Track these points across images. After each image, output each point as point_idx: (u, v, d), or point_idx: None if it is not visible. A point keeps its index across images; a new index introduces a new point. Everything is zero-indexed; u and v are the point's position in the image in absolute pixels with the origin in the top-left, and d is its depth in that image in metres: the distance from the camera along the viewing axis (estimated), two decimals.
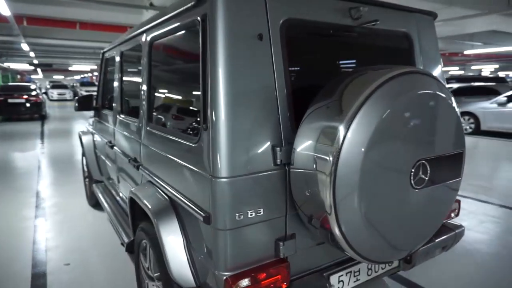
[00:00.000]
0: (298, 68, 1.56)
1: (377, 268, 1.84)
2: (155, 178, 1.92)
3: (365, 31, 1.75)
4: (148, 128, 2.04)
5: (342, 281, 1.69)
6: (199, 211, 1.41)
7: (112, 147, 2.95)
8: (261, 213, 1.39)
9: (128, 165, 2.48)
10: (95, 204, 4.29)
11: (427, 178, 1.37)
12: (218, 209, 1.33)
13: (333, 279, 1.65)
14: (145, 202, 1.82)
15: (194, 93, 1.62)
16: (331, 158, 1.18)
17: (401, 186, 1.32)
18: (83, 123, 13.35)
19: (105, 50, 3.41)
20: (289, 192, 1.43)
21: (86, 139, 4.12)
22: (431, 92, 1.32)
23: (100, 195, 3.57)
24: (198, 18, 1.44)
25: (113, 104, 2.92)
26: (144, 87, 2.12)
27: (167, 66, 2.04)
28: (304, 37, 1.60)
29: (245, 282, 1.35)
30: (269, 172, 1.38)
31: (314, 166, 1.25)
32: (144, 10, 6.49)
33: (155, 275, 1.93)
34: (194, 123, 1.56)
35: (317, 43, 1.65)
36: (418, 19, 2.01)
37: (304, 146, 1.31)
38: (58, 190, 5.09)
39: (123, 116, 2.69)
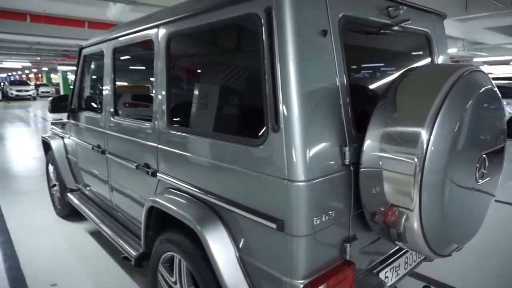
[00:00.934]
0: (354, 67, 1.54)
1: (411, 261, 1.89)
2: (185, 185, 1.77)
3: (399, 30, 1.78)
4: (171, 132, 1.88)
5: (387, 277, 1.71)
6: (267, 219, 1.33)
7: (102, 152, 2.69)
8: (333, 216, 1.34)
9: (132, 171, 2.28)
10: (67, 215, 3.91)
11: (485, 172, 1.43)
12: (295, 215, 1.26)
13: (381, 276, 1.66)
14: (181, 212, 1.67)
15: (251, 92, 1.52)
16: (417, 160, 1.18)
17: (469, 181, 1.36)
18: (21, 127, 12.14)
19: (85, 45, 3.09)
20: (354, 192, 1.40)
21: (56, 144, 3.73)
22: (490, 87, 1.38)
23: (81, 205, 3.24)
24: (258, 11, 1.35)
25: (104, 106, 2.65)
26: (161, 87, 1.95)
27: (194, 64, 1.89)
28: (355, 35, 1.58)
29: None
30: (339, 173, 1.34)
31: (396, 167, 1.23)
32: (111, 3, 5.96)
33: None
34: (254, 125, 1.45)
35: (365, 40, 1.64)
36: (434, 20, 2.09)
37: (379, 147, 1.28)
38: (18, 201, 4.55)
39: (120, 118, 2.46)
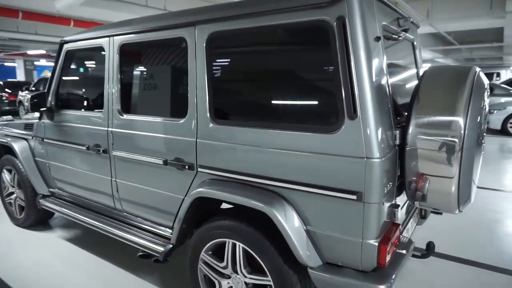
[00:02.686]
0: (389, 67, 1.87)
1: (412, 227, 2.32)
2: (236, 175, 1.92)
3: (404, 38, 2.18)
4: (219, 126, 1.98)
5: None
6: (344, 192, 1.59)
7: (104, 151, 2.61)
8: (390, 186, 1.66)
9: (155, 167, 2.30)
10: (32, 224, 3.60)
11: (483, 143, 1.90)
12: (373, 186, 1.54)
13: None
14: (245, 198, 1.81)
15: (320, 87, 1.74)
16: (458, 141, 1.56)
17: (479, 152, 1.80)
18: None
19: (69, 40, 2.90)
20: (399, 166, 1.74)
21: (21, 147, 3.39)
22: (487, 82, 1.84)
23: (63, 209, 3.03)
24: (330, 18, 1.59)
25: (108, 104, 2.57)
26: (202, 85, 2.04)
27: (249, 62, 1.99)
28: (386, 42, 1.91)
29: (388, 245, 1.62)
30: (392, 151, 1.67)
31: (440, 147, 1.60)
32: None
33: (246, 271, 1.95)
34: (327, 115, 1.68)
35: (388, 45, 1.99)
36: (415, 29, 2.57)
37: (424, 131, 1.63)
38: None
39: (132, 116, 2.43)
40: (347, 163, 1.59)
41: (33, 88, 12.40)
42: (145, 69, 2.51)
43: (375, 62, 1.62)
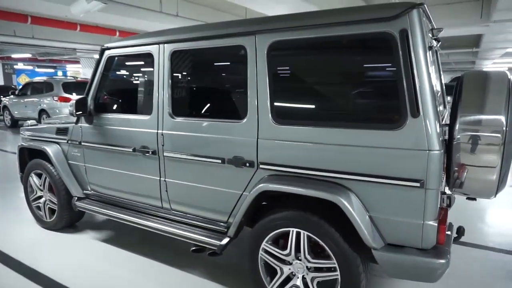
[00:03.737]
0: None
1: None
2: (300, 170, 2.13)
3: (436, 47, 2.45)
4: (281, 126, 2.18)
5: None
6: (408, 181, 1.83)
7: (153, 152, 2.76)
8: (443, 175, 1.92)
9: (212, 166, 2.47)
10: (63, 227, 3.67)
11: None
12: (434, 174, 1.79)
13: None
14: (322, 193, 2.00)
15: (384, 89, 1.98)
16: (501, 136, 1.83)
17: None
18: None
19: (112, 46, 3.03)
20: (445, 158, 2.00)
21: (55, 151, 3.47)
22: None
23: (105, 210, 3.14)
24: (393, 31, 1.84)
25: (158, 108, 2.72)
26: (263, 89, 2.24)
27: (314, 68, 2.19)
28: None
29: (446, 226, 1.88)
30: (444, 145, 1.93)
31: (486, 141, 1.87)
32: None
33: (310, 256, 2.16)
34: (391, 114, 1.91)
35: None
36: None
37: (470, 128, 1.90)
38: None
39: (185, 118, 2.59)
40: (411, 155, 1.83)
41: (20, 93, 12.11)
42: (199, 75, 2.68)
43: (430, 68, 1.88)
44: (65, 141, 3.46)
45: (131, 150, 2.90)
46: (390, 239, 1.98)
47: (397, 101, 1.87)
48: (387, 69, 1.92)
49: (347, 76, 2.10)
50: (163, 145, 2.73)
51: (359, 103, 2.07)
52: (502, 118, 1.85)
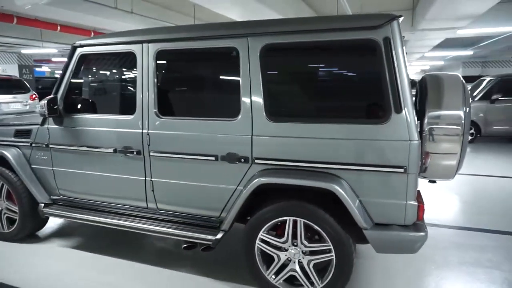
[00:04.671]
0: None
1: None
2: (292, 163, 2.32)
3: None
4: (276, 123, 2.33)
5: None
6: (393, 167, 2.12)
7: (138, 153, 2.74)
8: (419, 161, 2.26)
9: (204, 163, 2.55)
10: (26, 236, 3.43)
11: None
12: (413, 161, 2.11)
13: None
14: (318, 182, 2.20)
15: (370, 88, 2.22)
16: (461, 128, 2.22)
17: (468, 133, 2.52)
18: None
19: (84, 44, 2.90)
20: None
21: (15, 156, 3.21)
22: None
23: (80, 215, 3.01)
24: (378, 38, 2.11)
25: (142, 107, 2.70)
26: (257, 88, 2.38)
27: (300, 69, 2.37)
28: None
29: (422, 204, 2.21)
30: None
31: (449, 132, 2.24)
32: None
33: (307, 242, 2.36)
34: (378, 111, 2.17)
35: None
36: None
37: (436, 122, 2.26)
38: None
39: (173, 118, 2.62)
40: (395, 145, 2.13)
41: None
42: (188, 75, 2.71)
43: (407, 70, 2.20)
44: (28, 144, 3.22)
45: (111, 151, 2.83)
46: (377, 219, 2.27)
47: (382, 99, 2.15)
48: (372, 71, 2.19)
49: (336, 77, 2.35)
50: (149, 145, 2.72)
51: (348, 100, 2.33)
52: (461, 113, 2.24)
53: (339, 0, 6.44)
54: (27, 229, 3.38)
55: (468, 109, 2.31)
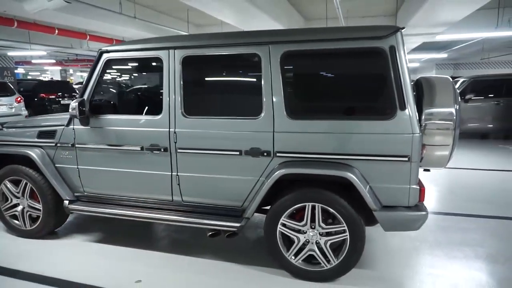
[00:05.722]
0: None
1: None
2: (310, 155, 2.64)
3: None
4: (295, 120, 2.66)
5: None
6: (398, 157, 2.49)
7: (165, 149, 2.98)
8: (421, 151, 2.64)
9: (228, 158, 2.83)
10: (48, 232, 3.59)
11: None
12: (416, 151, 2.48)
13: None
14: (335, 171, 2.53)
15: (377, 89, 2.57)
16: (452, 123, 2.61)
17: (458, 128, 2.91)
18: None
19: (111, 49, 3.12)
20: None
21: (39, 155, 3.37)
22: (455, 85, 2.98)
23: (109, 210, 3.22)
24: (384, 46, 2.47)
25: (169, 108, 2.95)
26: (278, 89, 2.69)
27: (315, 73, 2.71)
28: None
29: (423, 187, 2.59)
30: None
31: (442, 126, 2.62)
32: None
33: (323, 224, 2.69)
34: (384, 108, 2.52)
35: None
36: None
37: (431, 117, 2.64)
38: None
39: (196, 117, 2.90)
40: (400, 138, 2.50)
41: None
42: (212, 78, 2.99)
43: (409, 73, 2.57)
44: (52, 145, 3.39)
45: (138, 148, 3.07)
46: (384, 202, 2.63)
47: (389, 98, 2.52)
48: (379, 74, 2.55)
49: (348, 79, 2.70)
50: (175, 142, 2.97)
51: (358, 100, 2.69)
52: (453, 110, 2.64)
53: (334, 5, 6.82)
54: (50, 226, 3.54)
55: (458, 106, 2.71)
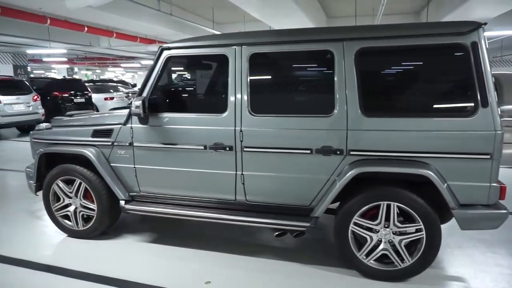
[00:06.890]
0: None
1: None
2: (385, 153, 2.61)
3: None
4: (369, 118, 2.63)
5: None
6: (480, 154, 2.45)
7: (229, 148, 2.94)
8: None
9: (298, 156, 2.79)
10: (101, 233, 3.57)
11: None
12: (498, 148, 2.44)
13: None
14: (415, 169, 2.48)
15: (459, 85, 2.54)
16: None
17: None
18: None
19: (172, 46, 3.07)
20: None
21: (95, 154, 3.33)
22: None
23: (169, 210, 3.19)
24: (466, 42, 2.43)
25: (235, 106, 2.91)
26: (352, 87, 2.65)
27: (393, 69, 2.67)
28: None
29: (504, 185, 2.55)
30: None
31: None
32: None
33: (398, 223, 2.66)
34: (466, 106, 2.49)
35: None
36: None
37: (503, 113, 2.62)
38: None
39: (264, 115, 2.85)
40: (482, 135, 2.46)
41: None
42: (282, 75, 2.94)
43: (491, 70, 2.53)
44: (108, 144, 3.34)
45: (201, 147, 3.02)
46: (462, 200, 2.59)
47: (471, 95, 2.48)
48: (461, 71, 2.51)
49: (426, 76, 2.66)
50: (241, 141, 2.93)
51: (438, 97, 2.64)
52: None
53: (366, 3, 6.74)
54: (104, 226, 3.51)
55: None
